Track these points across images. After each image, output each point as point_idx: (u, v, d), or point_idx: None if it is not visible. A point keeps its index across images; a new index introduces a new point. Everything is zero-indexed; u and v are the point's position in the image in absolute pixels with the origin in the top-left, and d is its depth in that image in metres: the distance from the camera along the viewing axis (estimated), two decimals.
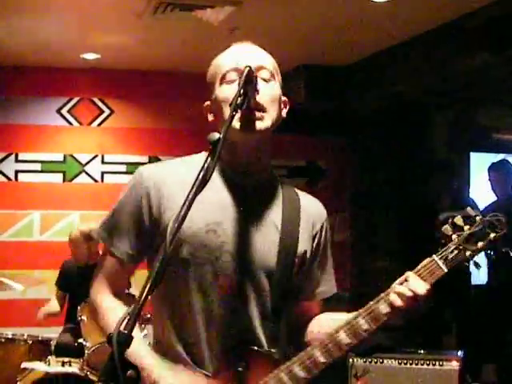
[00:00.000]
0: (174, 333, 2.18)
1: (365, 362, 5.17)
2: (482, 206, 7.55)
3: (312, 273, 2.33)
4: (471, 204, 7.42)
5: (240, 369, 2.08)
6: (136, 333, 1.63)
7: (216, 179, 2.19)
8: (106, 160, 8.35)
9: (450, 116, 8.79)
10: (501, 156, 8.54)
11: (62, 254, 6.87)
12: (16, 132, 8.11)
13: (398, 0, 5.81)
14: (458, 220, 2.17)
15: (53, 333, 6.20)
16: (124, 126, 8.44)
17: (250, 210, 2.20)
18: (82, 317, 5.63)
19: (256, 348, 2.14)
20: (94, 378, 5.22)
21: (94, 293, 2.28)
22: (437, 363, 5.09)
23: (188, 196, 1.77)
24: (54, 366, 5.38)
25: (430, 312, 7.05)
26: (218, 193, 2.18)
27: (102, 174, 8.33)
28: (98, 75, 8.31)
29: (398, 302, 2.08)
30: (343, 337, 2.10)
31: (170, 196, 2.17)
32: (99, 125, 8.39)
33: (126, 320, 1.60)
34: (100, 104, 8.40)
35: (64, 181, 8.23)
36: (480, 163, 8.74)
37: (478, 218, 2.16)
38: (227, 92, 2.14)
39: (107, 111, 8.41)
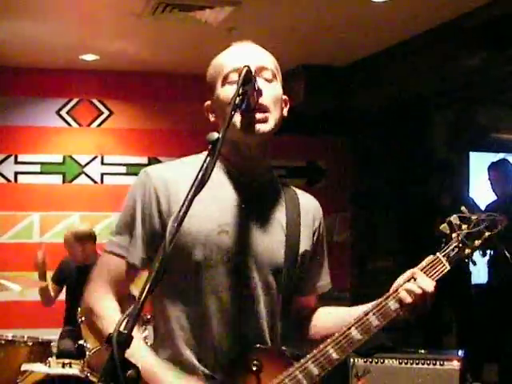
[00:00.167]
0: (184, 337, 2.16)
1: (365, 361, 5.18)
2: (482, 205, 7.54)
3: (311, 268, 2.36)
4: (471, 203, 7.41)
5: (254, 368, 2.09)
6: (136, 333, 1.63)
7: (223, 180, 2.20)
8: (105, 161, 8.34)
9: (450, 115, 8.79)
10: (500, 155, 8.54)
11: (61, 256, 6.86)
12: (15, 133, 8.11)
13: (398, 0, 5.80)
14: (455, 219, 2.25)
15: (53, 334, 6.19)
16: (123, 127, 8.44)
17: (256, 210, 2.21)
18: (83, 318, 5.62)
19: (269, 347, 2.16)
20: (95, 380, 5.21)
21: (93, 296, 2.21)
22: (437, 363, 5.10)
23: (187, 196, 1.76)
24: (54, 367, 5.38)
25: (430, 311, 7.05)
26: (225, 193, 2.19)
27: (102, 175, 8.33)
28: (97, 76, 8.31)
29: (408, 299, 2.13)
30: (355, 333, 2.13)
31: (177, 195, 2.13)
32: (98, 126, 8.39)
33: (126, 320, 1.59)
34: (99, 105, 8.40)
35: (63, 182, 8.23)
36: (480, 163, 8.74)
37: (473, 218, 2.26)
38: (229, 93, 2.12)
39: (106, 112, 8.40)
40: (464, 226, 2.25)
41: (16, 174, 8.11)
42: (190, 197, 1.75)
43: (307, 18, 6.34)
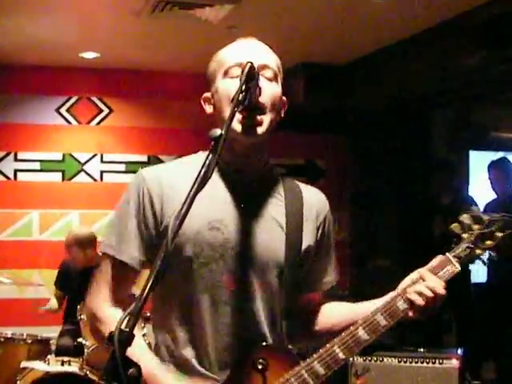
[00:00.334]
0: (181, 335, 2.16)
1: (365, 360, 5.19)
2: (481, 204, 7.54)
3: (317, 264, 2.33)
4: (471, 202, 7.41)
5: (260, 367, 2.07)
6: (136, 332, 1.63)
7: (215, 177, 2.16)
8: (105, 159, 8.34)
9: (450, 114, 8.79)
10: (500, 154, 8.53)
11: (61, 254, 6.87)
12: (15, 131, 8.11)
13: None
14: (466, 219, 2.23)
15: (52, 332, 6.19)
16: (123, 125, 8.44)
17: (250, 207, 2.19)
18: (82, 316, 5.62)
19: (275, 345, 2.15)
20: (94, 378, 5.21)
21: (95, 301, 2.23)
22: (437, 361, 5.11)
23: (189, 193, 1.76)
24: (53, 365, 5.38)
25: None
26: (217, 190, 2.17)
27: (101, 173, 8.32)
28: (96, 74, 8.31)
29: (419, 301, 2.12)
30: (362, 333, 2.12)
31: (171, 196, 2.14)
32: (98, 124, 8.39)
33: (127, 319, 1.59)
34: (99, 103, 8.40)
35: (63, 180, 8.23)
36: (479, 161, 8.74)
37: (485, 218, 2.22)
38: (229, 86, 2.12)
39: (106, 110, 8.40)
40: (476, 227, 2.22)
41: (15, 171, 8.11)
42: (192, 194, 1.75)
43: (307, 16, 6.33)
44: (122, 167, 8.36)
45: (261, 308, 2.15)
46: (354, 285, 8.05)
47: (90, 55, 7.77)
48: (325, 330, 2.33)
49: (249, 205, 2.19)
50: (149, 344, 5.57)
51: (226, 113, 2.07)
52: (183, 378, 2.10)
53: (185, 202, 1.74)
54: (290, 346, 2.19)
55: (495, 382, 7.11)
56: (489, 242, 2.21)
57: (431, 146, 8.64)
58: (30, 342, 5.53)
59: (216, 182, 2.17)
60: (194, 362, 2.13)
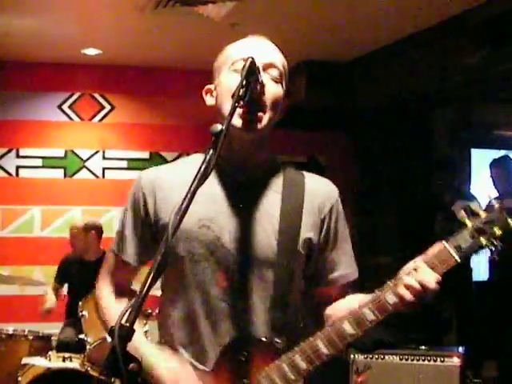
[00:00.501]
0: (177, 331, 2.19)
1: (366, 358, 5.18)
2: (483, 202, 7.53)
3: (327, 258, 2.27)
4: (473, 201, 7.40)
5: (242, 358, 2.06)
6: (136, 327, 1.63)
7: (211, 174, 2.12)
8: (106, 156, 8.35)
9: (451, 113, 8.79)
10: (502, 152, 8.52)
11: (62, 250, 6.88)
12: (17, 127, 8.11)
13: None
14: (475, 206, 2.05)
15: (53, 328, 6.20)
16: (125, 121, 8.44)
17: (245, 203, 2.18)
18: (83, 312, 5.63)
19: (258, 338, 2.11)
20: (95, 374, 5.22)
21: (99, 291, 2.34)
22: (438, 359, 5.11)
23: (190, 188, 1.77)
24: (54, 361, 5.38)
25: (431, 308, 7.05)
26: (211, 187, 2.15)
27: (103, 169, 8.33)
28: (99, 70, 8.31)
29: (408, 296, 1.99)
30: (348, 327, 2.04)
31: (165, 197, 2.18)
32: (100, 120, 8.40)
33: (128, 313, 1.60)
34: (101, 99, 8.40)
35: (65, 176, 8.23)
36: (481, 160, 8.74)
37: (496, 205, 2.03)
38: (232, 80, 2.11)
39: (108, 107, 8.41)
40: (483, 214, 2.02)
41: (17, 167, 8.12)
42: (192, 189, 1.76)
43: (309, 14, 6.34)
44: (124, 164, 8.36)
45: (256, 303, 2.14)
46: (357, 284, 8.04)
47: (92, 52, 7.78)
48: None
49: (244, 201, 2.18)
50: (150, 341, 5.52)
51: (226, 106, 2.08)
52: (175, 364, 2.12)
53: (185, 198, 1.76)
54: (277, 340, 2.11)
55: (496, 380, 7.11)
56: (497, 229, 1.99)
57: (432, 144, 8.63)
58: (31, 338, 5.54)
59: (211, 179, 2.14)
60: (192, 359, 2.14)
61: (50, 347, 5.67)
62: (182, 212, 1.74)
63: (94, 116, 8.38)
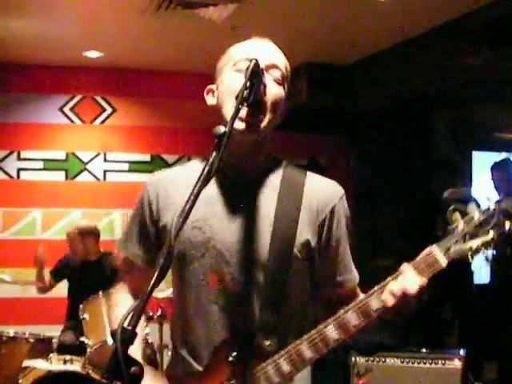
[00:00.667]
0: (176, 331, 2.24)
1: (367, 360, 5.17)
2: (483, 205, 7.53)
3: (332, 260, 2.24)
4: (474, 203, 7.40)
5: (231, 359, 2.06)
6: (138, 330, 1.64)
7: None
8: (108, 158, 8.35)
9: (452, 115, 8.79)
10: (503, 155, 8.52)
11: (63, 253, 6.87)
12: (18, 130, 8.11)
13: None
14: (471, 208, 1.95)
15: (54, 331, 6.20)
16: (126, 124, 8.45)
17: (240, 204, 2.17)
18: (84, 315, 5.63)
19: (246, 339, 2.10)
20: (96, 377, 5.21)
21: (116, 293, 2.40)
22: (439, 362, 5.10)
23: (193, 190, 1.78)
24: (55, 364, 5.37)
25: (432, 311, 7.05)
26: (206, 189, 2.05)
27: (104, 172, 8.33)
28: (100, 73, 8.32)
29: (390, 301, 1.97)
30: (331, 331, 2.01)
31: (168, 199, 2.21)
32: (101, 123, 8.40)
33: (130, 316, 1.60)
34: (102, 102, 8.40)
35: (66, 179, 8.24)
36: (482, 162, 8.73)
37: (491, 206, 1.92)
38: (234, 80, 2.11)
39: (109, 109, 8.41)
40: (477, 216, 1.92)
41: (19, 170, 8.12)
42: (195, 191, 1.77)
43: (310, 16, 6.34)
44: (125, 166, 8.36)
45: (247, 305, 2.13)
46: (358, 284, 8.04)
47: (93, 54, 7.78)
48: None
49: (239, 202, 2.18)
50: (151, 344, 5.56)
51: (227, 106, 2.09)
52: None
53: (188, 200, 1.76)
54: (266, 342, 2.09)
55: (497, 382, 7.11)
56: (492, 233, 1.89)
57: (433, 146, 8.64)
58: (32, 340, 5.53)
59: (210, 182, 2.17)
60: (190, 359, 2.17)
61: (51, 350, 5.65)
62: (185, 214, 1.74)
63: (96, 118, 8.38)
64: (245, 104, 2.00)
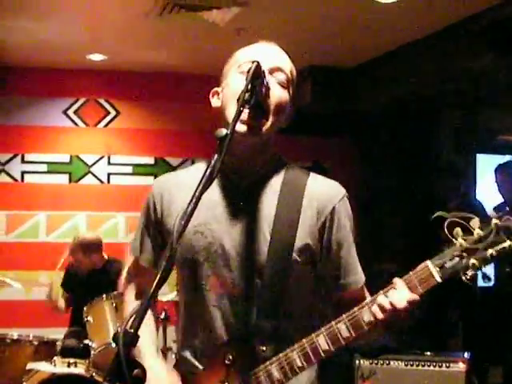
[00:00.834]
0: (182, 337, 2.25)
1: (371, 363, 5.17)
2: (488, 208, 7.52)
3: (335, 262, 2.22)
4: (478, 206, 7.39)
5: (227, 362, 2.07)
6: (145, 330, 1.64)
7: None
8: (112, 161, 8.35)
9: (456, 118, 8.77)
10: (507, 157, 8.50)
11: (67, 256, 6.87)
12: (22, 133, 8.12)
13: (405, 2, 5.80)
14: (474, 223, 1.87)
15: (58, 334, 6.19)
16: (130, 127, 8.45)
17: (240, 208, 2.17)
18: (88, 318, 5.64)
19: (242, 344, 2.10)
20: (100, 379, 5.22)
21: (124, 296, 2.42)
22: (443, 365, 5.09)
23: (195, 193, 1.78)
24: (59, 366, 5.37)
25: (437, 313, 7.04)
26: (208, 193, 2.05)
27: (108, 175, 8.33)
28: (104, 76, 8.32)
29: (379, 315, 1.97)
30: (322, 342, 2.01)
31: (171, 201, 2.22)
32: (105, 126, 8.40)
33: (132, 319, 1.60)
34: (106, 105, 8.41)
35: (70, 182, 8.24)
36: (486, 165, 8.72)
37: (492, 222, 1.85)
38: (238, 82, 2.11)
39: (113, 112, 8.41)
40: (476, 232, 1.86)
41: (23, 173, 8.12)
42: (197, 194, 1.77)
43: (314, 19, 6.34)
44: (129, 169, 8.36)
45: (246, 310, 2.13)
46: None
47: (97, 57, 7.78)
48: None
49: (239, 206, 2.17)
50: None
51: (230, 108, 2.08)
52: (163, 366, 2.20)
53: (190, 203, 1.77)
54: (262, 348, 2.08)
55: None
56: (491, 251, 1.83)
57: (437, 149, 8.62)
58: (36, 343, 5.53)
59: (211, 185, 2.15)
60: (193, 360, 2.19)
61: (55, 352, 5.65)
62: (187, 217, 1.74)
63: (100, 121, 8.39)
64: (247, 106, 2.00)
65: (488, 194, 8.29)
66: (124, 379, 1.55)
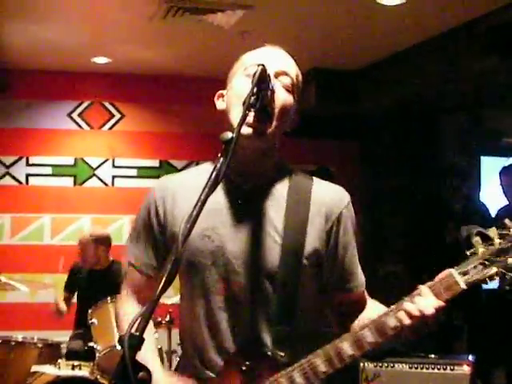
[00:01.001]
0: (188, 339, 2.22)
1: (376, 366, 5.16)
2: (493, 210, 7.52)
3: (340, 267, 2.23)
4: (483, 208, 7.39)
5: (243, 368, 2.06)
6: (147, 335, 1.63)
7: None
8: (116, 164, 8.36)
9: (461, 120, 8.77)
10: None
11: (72, 258, 6.88)
12: (27, 136, 8.14)
13: (409, 4, 5.80)
14: (492, 232, 1.94)
15: (63, 336, 6.20)
16: (135, 129, 8.46)
17: (248, 212, 2.16)
18: (93, 320, 5.64)
19: (260, 350, 2.10)
20: (105, 382, 5.21)
21: (119, 303, 2.35)
22: (448, 367, 5.09)
23: (200, 196, 1.77)
24: (64, 369, 5.37)
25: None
26: (214, 197, 2.05)
27: (113, 177, 8.34)
28: (108, 79, 8.34)
29: (406, 321, 1.98)
30: (346, 348, 2.01)
31: (176, 205, 2.19)
32: (110, 129, 8.41)
33: (138, 322, 1.60)
34: (111, 108, 8.42)
35: (75, 184, 8.25)
36: (491, 167, 8.71)
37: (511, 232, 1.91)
38: (243, 84, 2.10)
39: (118, 115, 8.42)
40: (497, 241, 1.91)
41: (27, 176, 8.14)
42: (202, 197, 1.76)
43: (319, 21, 6.34)
44: (134, 172, 8.37)
45: (258, 315, 2.12)
46: (366, 290, 8.03)
47: (101, 60, 7.80)
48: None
49: (247, 211, 2.16)
50: (159, 349, 5.55)
51: (235, 111, 2.08)
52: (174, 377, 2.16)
53: (195, 206, 1.75)
54: (280, 354, 2.08)
55: None
56: (508, 262, 1.90)
57: (441, 151, 8.62)
58: (40, 346, 5.53)
59: (217, 188, 2.14)
60: (200, 365, 2.16)
61: (60, 355, 5.66)
62: (192, 221, 1.73)
63: (104, 124, 8.40)
64: (252, 110, 2.00)
65: (492, 196, 8.29)
66: (129, 382, 1.55)
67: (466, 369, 5.08)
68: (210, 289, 2.14)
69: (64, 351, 5.90)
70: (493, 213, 7.41)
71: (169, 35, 6.84)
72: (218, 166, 1.81)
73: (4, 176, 8.10)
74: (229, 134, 1.84)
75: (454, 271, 1.97)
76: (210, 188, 1.78)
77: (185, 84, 8.42)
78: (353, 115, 8.41)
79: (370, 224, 8.61)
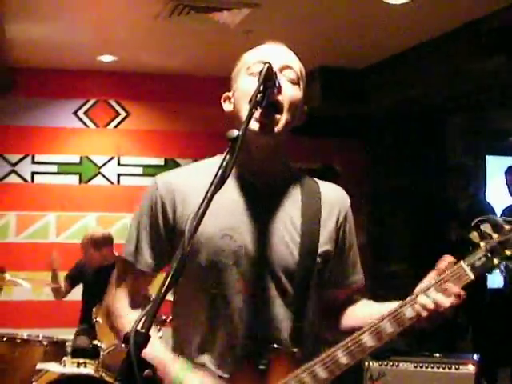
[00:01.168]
0: (196, 337, 2.17)
1: (380, 365, 5.16)
2: (498, 209, 7.52)
3: (341, 264, 2.29)
4: (488, 208, 7.38)
5: (262, 367, 2.05)
6: (152, 332, 1.63)
7: (230, 181, 2.06)
8: (122, 162, 8.37)
9: (466, 119, 8.77)
10: None
11: (77, 256, 6.89)
12: (32, 134, 8.15)
13: (415, 3, 5.80)
14: (486, 228, 2.08)
15: (68, 334, 6.21)
16: (140, 128, 8.47)
17: (266, 211, 2.17)
18: (98, 318, 5.64)
19: (278, 346, 2.10)
20: (110, 380, 5.22)
21: (112, 301, 2.29)
22: (452, 367, 5.08)
23: (206, 194, 1.76)
24: (69, 367, 5.39)
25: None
26: (231, 195, 2.15)
27: (118, 176, 8.35)
28: (114, 77, 8.34)
29: (424, 313, 2.03)
30: (367, 339, 2.04)
31: (183, 201, 2.16)
32: (115, 127, 8.42)
33: (143, 319, 1.60)
34: (116, 106, 8.43)
35: (80, 183, 8.26)
36: (496, 166, 8.71)
37: (507, 227, 2.06)
38: (249, 85, 2.10)
39: (123, 113, 8.43)
40: (495, 236, 2.06)
41: (33, 174, 8.15)
42: (209, 195, 1.76)
43: (324, 20, 6.34)
44: (139, 170, 8.38)
45: (278, 312, 2.13)
46: (369, 288, 8.03)
47: (107, 58, 7.80)
48: (347, 327, 2.28)
49: (264, 209, 2.17)
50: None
51: (243, 111, 2.07)
52: (190, 370, 2.10)
53: (202, 203, 1.75)
54: (295, 350, 2.11)
55: None
56: (509, 252, 2.04)
57: (447, 151, 8.61)
58: (45, 343, 5.53)
59: (231, 187, 2.14)
60: (213, 366, 2.13)
61: (65, 353, 5.67)
62: (199, 218, 1.73)
63: (109, 122, 8.41)
64: (259, 107, 2.00)
65: (498, 195, 8.29)
66: (135, 379, 1.55)
67: (470, 368, 5.07)
68: (230, 289, 2.12)
69: (69, 349, 5.90)
70: (498, 212, 7.41)
71: (174, 34, 6.84)
72: (224, 163, 1.80)
73: (10, 174, 8.10)
74: (235, 132, 1.84)
75: (463, 263, 2.05)
76: (217, 186, 1.78)
77: (190, 82, 8.42)
78: (358, 114, 8.40)
79: (375, 223, 8.61)
